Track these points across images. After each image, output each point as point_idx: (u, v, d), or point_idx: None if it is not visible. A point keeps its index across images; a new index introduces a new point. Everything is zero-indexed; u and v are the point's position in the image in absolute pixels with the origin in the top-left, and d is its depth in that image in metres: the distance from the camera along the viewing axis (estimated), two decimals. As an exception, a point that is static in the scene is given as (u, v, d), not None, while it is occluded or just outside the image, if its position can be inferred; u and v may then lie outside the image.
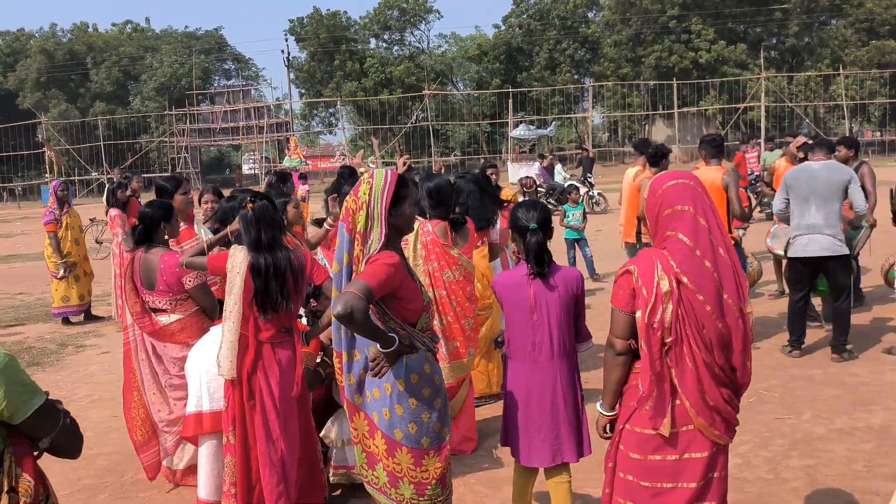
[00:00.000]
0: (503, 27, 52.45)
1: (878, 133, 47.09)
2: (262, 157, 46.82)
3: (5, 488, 2.08)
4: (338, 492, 4.67)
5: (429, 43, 56.37)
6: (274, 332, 4.03)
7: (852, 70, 43.39)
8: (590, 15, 52.41)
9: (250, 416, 4.04)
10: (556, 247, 9.62)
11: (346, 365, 3.14)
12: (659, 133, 45.79)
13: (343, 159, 43.97)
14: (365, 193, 3.02)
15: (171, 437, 4.86)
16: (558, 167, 22.48)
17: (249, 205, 4.06)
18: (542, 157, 23.89)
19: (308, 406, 4.22)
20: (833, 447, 5.05)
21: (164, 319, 4.78)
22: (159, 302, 4.77)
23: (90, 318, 10.37)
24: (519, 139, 40.64)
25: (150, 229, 4.78)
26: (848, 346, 6.92)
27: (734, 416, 3.01)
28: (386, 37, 54.68)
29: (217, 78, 58.21)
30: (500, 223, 6.55)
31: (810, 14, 47.01)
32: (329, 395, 4.71)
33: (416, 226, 4.68)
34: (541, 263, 3.41)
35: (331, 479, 4.57)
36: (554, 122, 44.16)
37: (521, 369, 3.53)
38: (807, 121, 43.25)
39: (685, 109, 44.30)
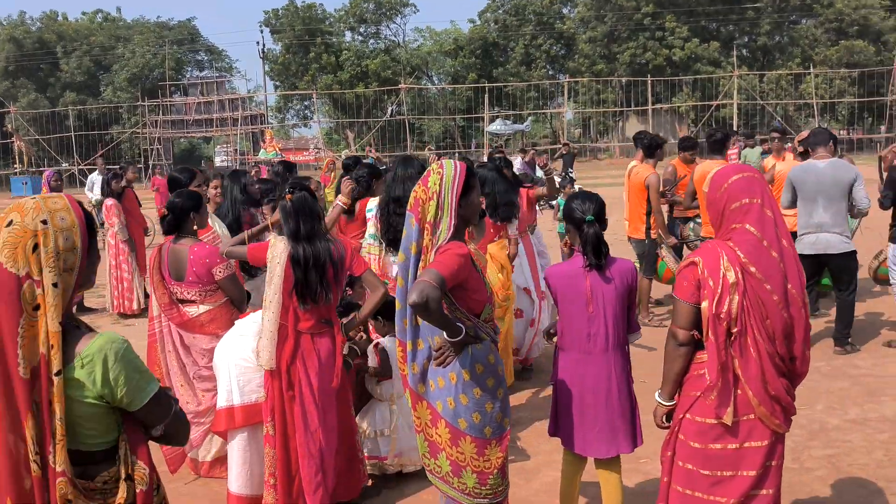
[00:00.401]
0: (479, 22, 52.50)
1: (845, 131, 47.85)
2: (235, 150, 46.29)
3: (122, 475, 2.06)
4: (369, 482, 4.67)
5: (405, 37, 56.30)
6: (313, 323, 4.03)
7: (822, 69, 44.10)
8: (565, 11, 52.68)
9: (289, 406, 4.04)
10: (551, 241, 9.68)
11: (409, 354, 3.15)
12: (632, 130, 46.01)
13: (318, 152, 43.75)
14: (435, 184, 3.03)
15: (199, 428, 4.79)
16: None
17: (288, 196, 4.06)
18: (523, 151, 23.86)
19: (349, 397, 4.22)
20: (850, 437, 5.16)
21: (192, 311, 4.70)
22: (188, 293, 4.68)
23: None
24: (495, 134, 40.65)
25: (180, 219, 4.64)
26: (849, 339, 7.07)
27: (792, 405, 3.07)
28: (362, 30, 54.43)
29: (190, 69, 57.47)
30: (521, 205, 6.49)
31: (781, 13, 47.72)
32: (362, 385, 4.71)
33: None
34: (598, 255, 3.43)
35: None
36: (529, 118, 44.24)
37: (574, 360, 3.56)
38: (777, 118, 43.77)
39: (658, 106, 44.64)
